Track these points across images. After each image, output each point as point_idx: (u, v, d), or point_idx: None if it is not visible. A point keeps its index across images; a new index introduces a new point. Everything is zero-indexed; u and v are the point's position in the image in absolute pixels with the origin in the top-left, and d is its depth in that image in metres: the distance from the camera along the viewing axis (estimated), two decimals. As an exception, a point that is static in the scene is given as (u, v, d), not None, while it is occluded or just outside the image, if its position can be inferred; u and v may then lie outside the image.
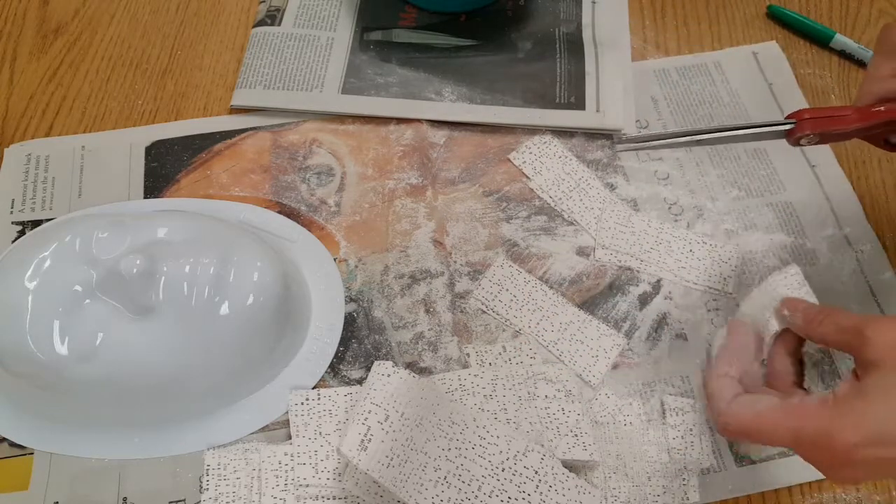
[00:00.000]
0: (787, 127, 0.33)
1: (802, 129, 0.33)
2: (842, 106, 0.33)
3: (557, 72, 0.47)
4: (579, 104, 0.45)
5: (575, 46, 0.48)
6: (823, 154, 0.45)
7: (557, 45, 0.48)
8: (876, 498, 0.35)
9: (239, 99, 0.46)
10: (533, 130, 0.45)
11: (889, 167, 0.45)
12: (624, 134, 0.30)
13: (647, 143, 0.33)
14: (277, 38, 0.48)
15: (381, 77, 0.47)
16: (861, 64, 0.49)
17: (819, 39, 0.49)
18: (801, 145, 0.34)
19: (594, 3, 0.50)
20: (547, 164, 0.44)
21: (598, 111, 0.45)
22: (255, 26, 0.49)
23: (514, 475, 0.32)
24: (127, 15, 0.50)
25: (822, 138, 0.34)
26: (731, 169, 0.44)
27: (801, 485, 0.35)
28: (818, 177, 0.44)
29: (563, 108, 0.45)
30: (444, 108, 0.45)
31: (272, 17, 0.49)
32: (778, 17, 0.51)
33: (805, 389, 0.31)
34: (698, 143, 0.33)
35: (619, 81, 0.46)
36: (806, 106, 0.47)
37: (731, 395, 0.30)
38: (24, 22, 0.50)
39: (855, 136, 0.34)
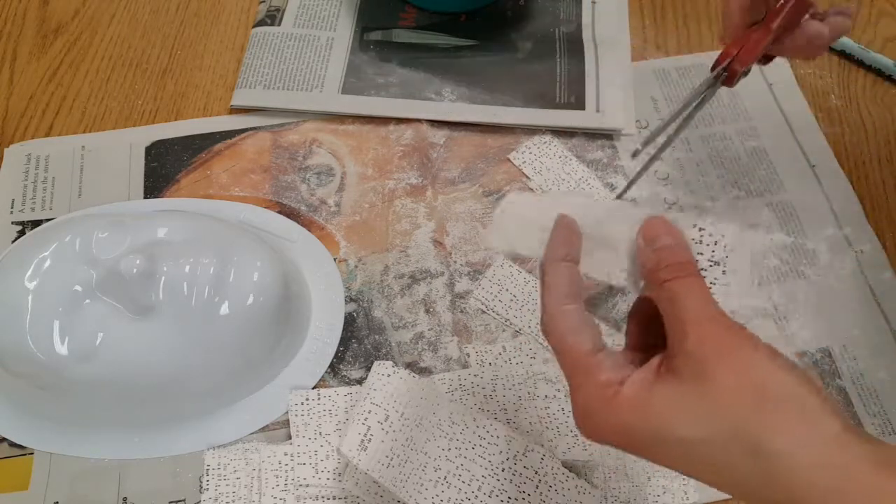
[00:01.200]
0: (719, 75, 0.34)
1: (734, 72, 0.33)
2: (748, 34, 0.34)
3: (557, 72, 0.47)
4: (579, 104, 0.45)
5: (575, 46, 0.48)
6: (823, 154, 0.45)
7: (557, 45, 0.48)
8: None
9: (239, 99, 0.46)
10: (533, 130, 0.45)
11: (889, 167, 0.45)
12: (638, 147, 0.31)
13: (653, 143, 0.33)
14: (277, 38, 0.48)
15: (381, 77, 0.47)
16: (861, 64, 0.49)
17: (819, 39, 0.50)
18: (735, 83, 0.34)
19: (594, 3, 0.51)
20: (547, 164, 0.44)
21: (598, 111, 0.45)
22: (255, 26, 0.49)
23: (514, 475, 0.32)
24: (127, 15, 0.50)
25: (744, 64, 0.33)
26: (730, 169, 0.44)
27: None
28: (818, 177, 0.44)
29: (563, 108, 0.45)
30: (444, 108, 0.45)
31: (272, 17, 0.49)
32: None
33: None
34: (686, 120, 0.33)
35: (619, 81, 0.46)
36: (806, 104, 0.46)
37: (565, 293, 0.24)
38: (24, 22, 0.50)
39: (770, 52, 0.35)
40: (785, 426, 0.21)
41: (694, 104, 0.34)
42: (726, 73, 0.33)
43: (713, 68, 0.34)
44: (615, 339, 0.38)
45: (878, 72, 0.48)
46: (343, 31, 0.49)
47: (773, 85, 0.48)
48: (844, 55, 0.49)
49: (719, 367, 0.21)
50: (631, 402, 0.22)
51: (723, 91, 0.47)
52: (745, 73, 0.34)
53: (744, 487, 0.21)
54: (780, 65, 0.48)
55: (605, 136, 0.45)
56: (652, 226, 0.25)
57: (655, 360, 0.23)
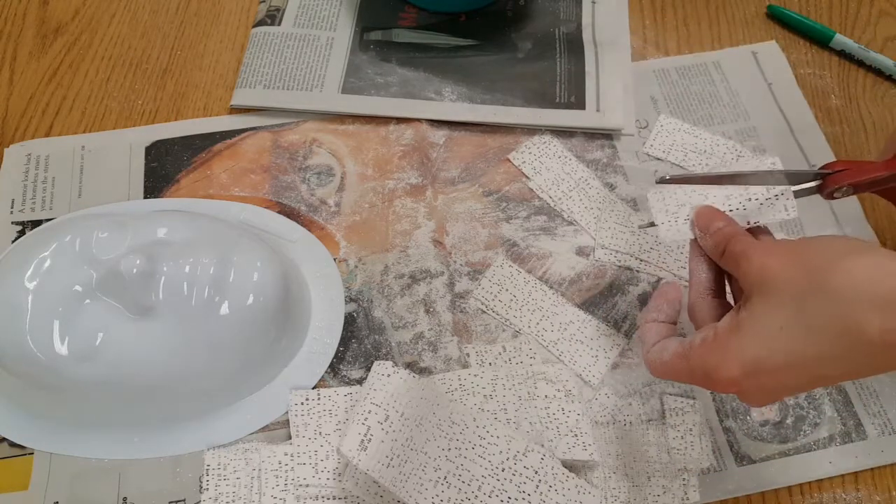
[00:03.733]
0: (818, 182, 0.33)
1: (836, 181, 0.33)
2: (870, 161, 0.33)
3: (557, 72, 0.47)
4: (579, 104, 0.45)
5: (575, 46, 0.48)
6: (823, 154, 0.45)
7: (557, 45, 0.48)
8: (876, 498, 0.35)
9: (239, 99, 0.46)
10: (532, 130, 0.45)
11: (889, 167, 0.45)
12: (666, 175, 0.31)
13: (684, 181, 0.33)
14: (277, 37, 0.48)
15: (381, 77, 0.47)
16: (861, 64, 0.49)
17: (819, 39, 0.49)
18: (835, 198, 0.34)
19: (594, 3, 0.50)
20: (546, 164, 0.44)
21: (598, 111, 0.45)
22: (255, 26, 0.49)
23: (514, 475, 0.32)
24: (127, 15, 0.50)
25: (856, 189, 0.33)
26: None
27: (800, 485, 0.35)
28: (818, 177, 0.44)
29: (563, 108, 0.45)
30: (444, 108, 0.45)
31: (272, 17, 0.49)
32: (778, 17, 0.51)
33: (722, 299, 0.31)
34: (731, 181, 0.32)
35: (619, 81, 0.46)
36: (806, 104, 0.46)
37: (653, 341, 0.31)
38: (24, 22, 0.50)
39: (885, 185, 0.34)
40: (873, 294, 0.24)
41: (770, 189, 0.32)
42: (818, 185, 0.33)
43: (822, 183, 0.33)
44: (615, 340, 0.38)
45: (878, 72, 0.48)
46: (343, 30, 0.49)
47: (773, 85, 0.47)
48: (844, 55, 0.49)
49: (792, 280, 0.26)
50: (746, 334, 0.27)
51: (722, 91, 0.47)
52: (846, 194, 0.33)
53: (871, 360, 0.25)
54: (781, 64, 0.48)
55: (604, 135, 0.45)
56: (702, 215, 0.32)
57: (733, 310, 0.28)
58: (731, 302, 0.32)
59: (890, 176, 0.33)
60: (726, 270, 0.31)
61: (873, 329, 0.24)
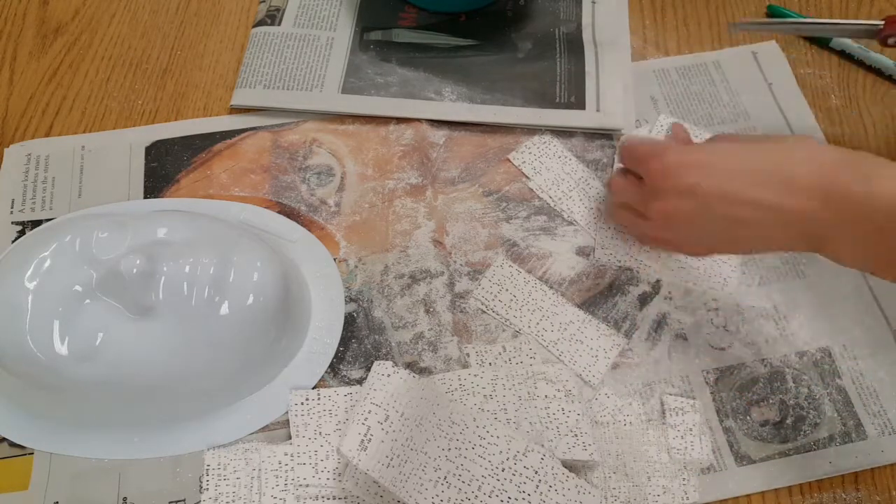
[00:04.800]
0: (878, 26, 0.38)
1: (892, 29, 0.38)
2: None
3: (557, 72, 0.47)
4: (579, 104, 0.45)
5: (575, 46, 0.48)
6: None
7: (557, 45, 0.48)
8: (876, 498, 0.35)
9: (239, 99, 0.46)
10: (532, 130, 0.45)
11: (889, 167, 0.45)
12: (743, 21, 0.39)
13: (760, 27, 0.40)
14: (277, 37, 0.48)
15: (381, 77, 0.47)
16: (861, 64, 0.49)
17: (819, 39, 0.49)
18: (890, 45, 0.39)
19: (594, 3, 0.50)
20: (546, 164, 0.44)
21: (598, 111, 0.45)
22: (255, 26, 0.49)
23: (514, 475, 0.32)
24: (127, 15, 0.50)
25: None
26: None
27: (800, 485, 0.35)
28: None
29: (563, 108, 0.45)
30: (444, 108, 0.45)
31: (272, 17, 0.49)
32: (778, 17, 0.51)
33: None
34: (797, 31, 0.40)
35: (619, 81, 0.46)
36: (805, 104, 0.46)
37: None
38: (24, 22, 0.50)
39: None
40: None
41: (834, 26, 0.40)
42: (878, 28, 0.38)
43: (882, 28, 0.38)
44: (615, 340, 0.38)
45: (878, 72, 0.48)
46: (343, 30, 0.49)
47: (773, 85, 0.47)
48: (844, 55, 0.49)
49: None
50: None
51: (722, 91, 0.47)
52: None
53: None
54: (781, 64, 0.48)
55: (604, 135, 0.45)
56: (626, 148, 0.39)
57: None
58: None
59: None
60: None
61: (801, 162, 0.30)
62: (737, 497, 0.34)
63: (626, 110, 0.45)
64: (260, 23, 0.49)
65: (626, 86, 0.46)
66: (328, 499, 0.33)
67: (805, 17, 0.43)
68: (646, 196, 0.36)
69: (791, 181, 0.29)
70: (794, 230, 0.30)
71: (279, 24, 0.49)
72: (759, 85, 0.48)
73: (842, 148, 0.30)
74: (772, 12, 0.51)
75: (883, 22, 0.39)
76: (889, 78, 0.48)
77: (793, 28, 0.41)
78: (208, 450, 0.34)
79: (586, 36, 0.49)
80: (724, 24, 0.51)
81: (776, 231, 0.31)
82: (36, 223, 0.41)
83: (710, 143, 0.37)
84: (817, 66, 0.48)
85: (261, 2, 0.50)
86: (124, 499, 0.34)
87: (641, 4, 0.51)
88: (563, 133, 0.45)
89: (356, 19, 0.49)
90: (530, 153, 0.44)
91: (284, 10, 0.50)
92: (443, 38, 0.48)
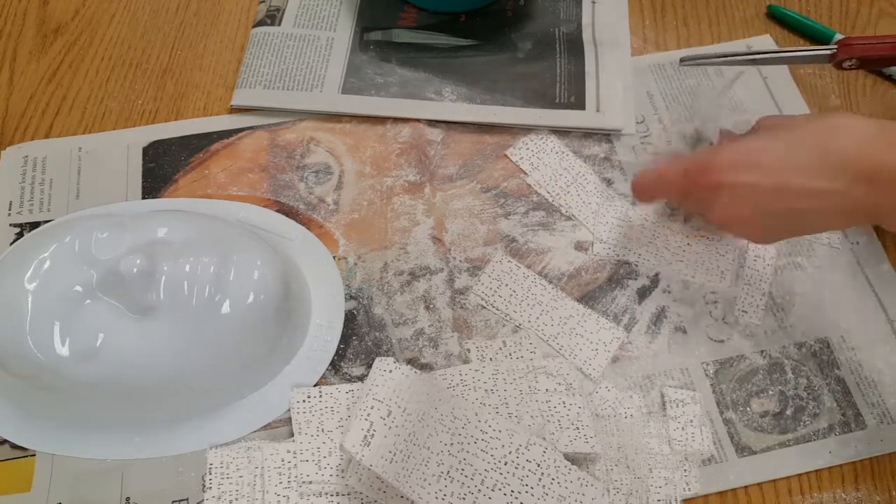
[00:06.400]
0: (831, 51, 0.38)
1: (846, 52, 0.37)
2: (885, 35, 0.38)
3: (557, 72, 0.47)
4: (579, 104, 0.46)
5: (575, 46, 0.48)
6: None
7: (557, 45, 0.48)
8: (876, 498, 0.35)
9: (239, 99, 0.46)
10: (530, 126, 0.45)
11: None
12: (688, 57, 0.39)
13: (709, 62, 0.40)
14: (277, 38, 0.48)
15: (381, 77, 0.47)
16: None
17: (819, 39, 0.50)
18: (844, 69, 0.39)
19: (594, 3, 0.51)
20: (544, 160, 0.44)
21: (598, 111, 0.45)
22: (255, 26, 0.49)
23: (516, 469, 0.32)
24: (127, 15, 0.50)
25: (862, 63, 0.37)
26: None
27: (801, 485, 0.35)
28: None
29: (562, 108, 0.45)
30: (444, 108, 0.45)
31: (272, 17, 0.49)
32: (778, 17, 0.51)
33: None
34: (753, 62, 0.39)
35: (619, 81, 0.46)
36: (803, 101, 0.47)
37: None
38: (24, 22, 0.50)
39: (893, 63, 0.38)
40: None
41: (785, 55, 0.40)
42: (830, 53, 0.38)
43: (835, 53, 0.38)
44: (615, 333, 0.38)
45: (878, 72, 0.48)
46: (343, 31, 0.49)
47: (772, 85, 0.48)
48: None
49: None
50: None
51: (718, 86, 0.48)
52: (853, 66, 0.38)
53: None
54: (780, 65, 0.48)
55: (602, 133, 0.45)
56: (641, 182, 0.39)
57: None
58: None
59: None
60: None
61: (847, 144, 0.30)
62: (737, 488, 0.35)
63: (626, 110, 0.45)
64: (260, 23, 0.49)
65: (626, 86, 0.46)
66: (331, 495, 0.33)
67: (767, 49, 0.43)
68: (698, 205, 0.36)
69: (841, 165, 0.31)
70: (850, 210, 0.31)
71: (279, 25, 0.49)
72: (757, 85, 0.47)
73: (881, 121, 0.31)
74: (772, 12, 0.51)
75: (836, 47, 0.39)
76: (889, 78, 0.48)
77: (747, 60, 0.40)
78: (211, 449, 0.34)
79: (586, 36, 0.49)
80: (724, 24, 0.51)
81: (833, 214, 0.32)
82: (34, 225, 0.41)
83: (753, 136, 0.36)
84: (817, 66, 0.48)
85: (261, 2, 0.51)
86: (127, 499, 0.34)
87: (641, 4, 0.51)
88: (560, 129, 0.45)
89: (356, 19, 0.49)
90: (528, 149, 0.44)
91: (284, 10, 0.50)
92: (443, 39, 0.49)
